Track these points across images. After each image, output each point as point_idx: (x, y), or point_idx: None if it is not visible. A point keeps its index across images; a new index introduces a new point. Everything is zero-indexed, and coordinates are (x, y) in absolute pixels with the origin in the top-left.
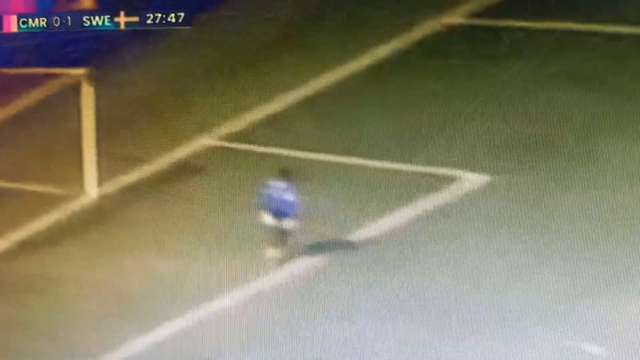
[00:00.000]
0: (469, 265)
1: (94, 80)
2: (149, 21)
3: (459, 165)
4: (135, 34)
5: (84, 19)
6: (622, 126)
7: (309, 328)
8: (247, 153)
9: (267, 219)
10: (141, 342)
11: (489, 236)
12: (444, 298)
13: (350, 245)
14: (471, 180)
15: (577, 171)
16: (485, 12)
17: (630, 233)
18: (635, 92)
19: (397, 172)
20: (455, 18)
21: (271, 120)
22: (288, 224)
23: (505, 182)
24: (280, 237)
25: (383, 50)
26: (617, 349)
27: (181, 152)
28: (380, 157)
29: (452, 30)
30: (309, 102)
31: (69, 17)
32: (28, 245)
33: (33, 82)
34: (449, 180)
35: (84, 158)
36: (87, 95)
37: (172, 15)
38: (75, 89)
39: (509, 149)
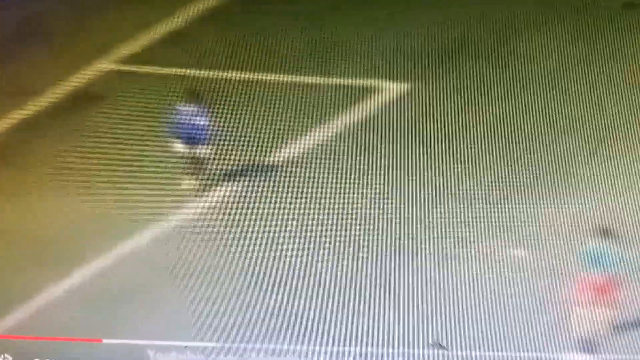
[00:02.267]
0: (392, 179)
1: None
2: None
3: (377, 74)
4: None
5: None
6: (542, 24)
7: (230, 259)
8: (150, 76)
9: (179, 146)
10: (59, 287)
11: (412, 147)
12: (369, 216)
13: (269, 169)
14: (391, 89)
15: (498, 73)
16: None
17: (552, 134)
18: None
19: (312, 86)
20: None
21: (174, 38)
22: (202, 150)
23: (426, 89)
24: (195, 165)
25: None
26: (539, 250)
27: (77, 80)
28: (294, 72)
29: None
30: (213, 15)
31: None
32: None
33: None
34: (367, 91)
35: None
36: None
37: None
38: None
39: (428, 55)
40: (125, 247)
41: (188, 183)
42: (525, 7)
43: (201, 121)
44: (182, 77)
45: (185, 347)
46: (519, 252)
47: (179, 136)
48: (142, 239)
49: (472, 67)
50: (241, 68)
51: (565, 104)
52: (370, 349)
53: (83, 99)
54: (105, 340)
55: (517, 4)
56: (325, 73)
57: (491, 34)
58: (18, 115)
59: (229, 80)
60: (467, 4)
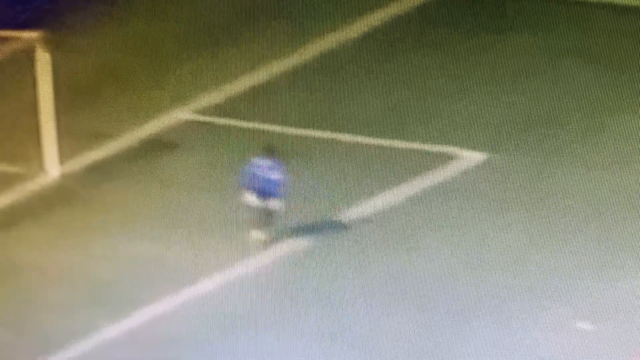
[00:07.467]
0: (465, 246)
1: (50, 45)
2: None
3: (456, 142)
4: None
5: None
6: (627, 105)
7: (295, 313)
8: (227, 128)
9: (251, 198)
10: (114, 330)
11: (486, 216)
12: (439, 279)
13: (340, 226)
14: (468, 158)
15: (577, 150)
16: None
17: (630, 212)
18: None
19: (390, 149)
20: None
21: (254, 93)
22: (273, 203)
23: (504, 160)
24: (265, 218)
25: (378, 17)
26: (609, 326)
27: (153, 127)
28: (372, 134)
29: None
30: (295, 73)
31: None
32: None
33: None
34: (445, 158)
35: (42, 133)
36: (43, 62)
37: None
38: (28, 55)
39: (508, 126)
40: (186, 293)
41: (256, 235)
42: (609, 87)
43: (274, 175)
44: (259, 132)
45: None
46: (586, 325)
47: (251, 188)
48: (204, 286)
49: (551, 142)
50: (318, 126)
51: None
52: None
53: (157, 146)
54: None
55: (602, 83)
56: (402, 137)
57: (573, 111)
58: (89, 157)
59: (305, 137)
60: (550, 82)
